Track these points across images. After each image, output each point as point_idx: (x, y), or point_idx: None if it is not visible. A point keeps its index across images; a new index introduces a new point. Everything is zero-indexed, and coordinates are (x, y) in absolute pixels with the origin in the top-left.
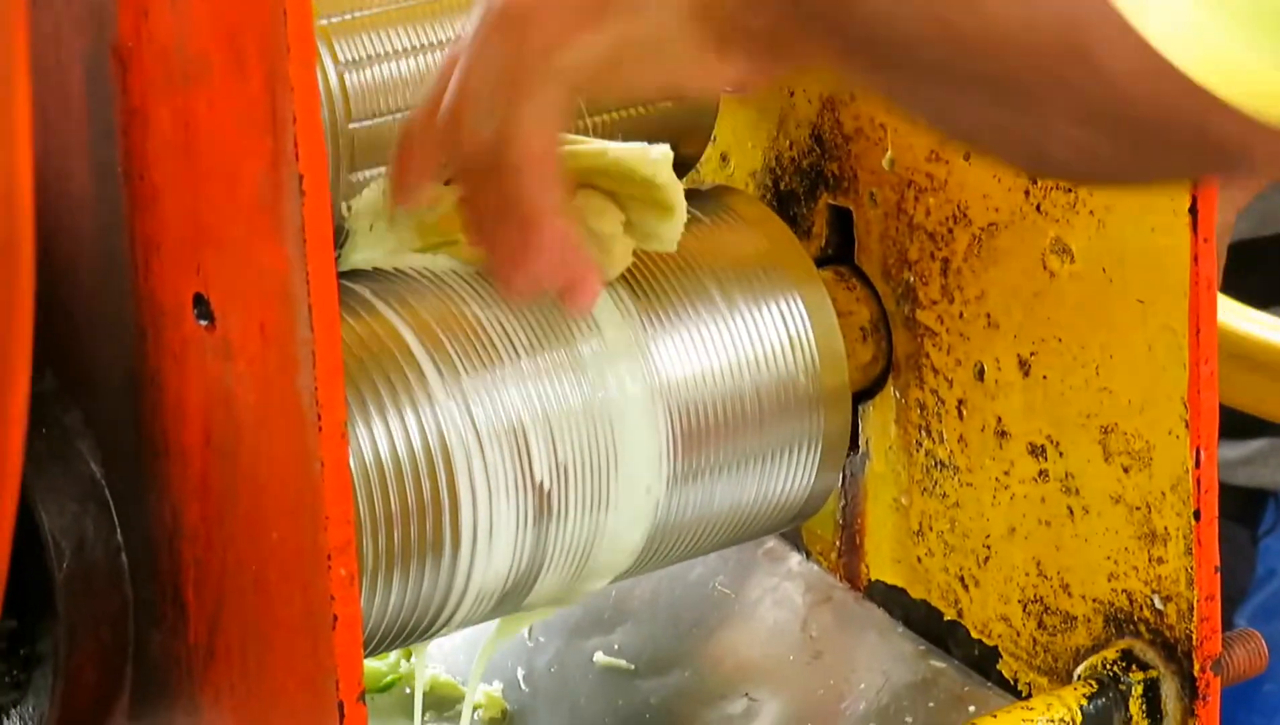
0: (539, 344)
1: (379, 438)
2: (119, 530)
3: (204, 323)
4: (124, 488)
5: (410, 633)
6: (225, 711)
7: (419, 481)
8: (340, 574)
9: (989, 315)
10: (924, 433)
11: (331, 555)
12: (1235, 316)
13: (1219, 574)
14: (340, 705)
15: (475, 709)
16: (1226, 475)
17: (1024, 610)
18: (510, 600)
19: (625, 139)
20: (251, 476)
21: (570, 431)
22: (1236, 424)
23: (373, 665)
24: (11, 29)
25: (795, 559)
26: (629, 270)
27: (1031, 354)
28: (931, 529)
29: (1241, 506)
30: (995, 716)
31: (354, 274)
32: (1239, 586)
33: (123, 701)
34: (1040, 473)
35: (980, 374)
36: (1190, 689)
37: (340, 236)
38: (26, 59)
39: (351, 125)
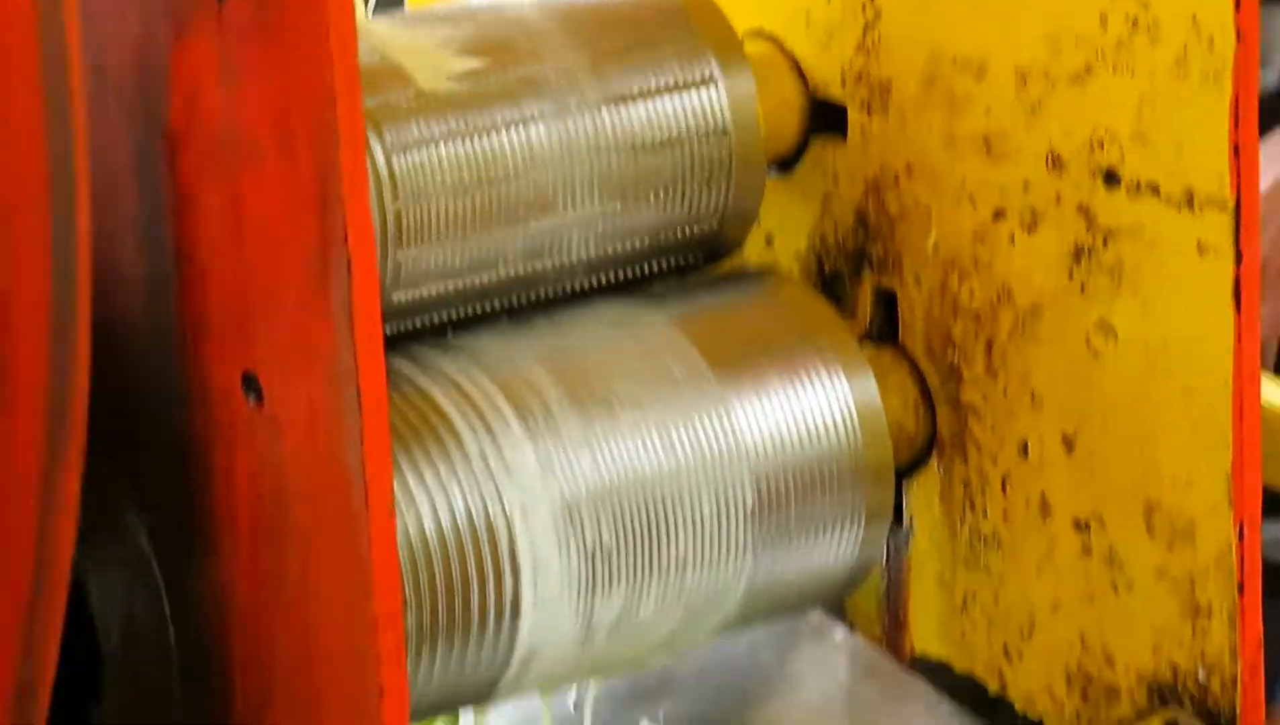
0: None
1: (426, 511)
2: (167, 603)
3: (253, 401)
4: (173, 561)
5: (459, 701)
6: None
7: (475, 553)
8: (388, 644)
9: (1033, 393)
10: (968, 508)
11: (379, 626)
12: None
13: (1263, 647)
14: None
15: None
16: (1269, 553)
17: (1068, 682)
18: (562, 670)
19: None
20: (300, 551)
21: (624, 502)
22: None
23: None
24: (73, 111)
25: (840, 632)
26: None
27: (1075, 431)
28: (975, 602)
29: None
30: None
31: (395, 346)
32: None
33: None
34: (1084, 548)
35: (1024, 450)
36: None
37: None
38: (85, 143)
39: (398, 204)
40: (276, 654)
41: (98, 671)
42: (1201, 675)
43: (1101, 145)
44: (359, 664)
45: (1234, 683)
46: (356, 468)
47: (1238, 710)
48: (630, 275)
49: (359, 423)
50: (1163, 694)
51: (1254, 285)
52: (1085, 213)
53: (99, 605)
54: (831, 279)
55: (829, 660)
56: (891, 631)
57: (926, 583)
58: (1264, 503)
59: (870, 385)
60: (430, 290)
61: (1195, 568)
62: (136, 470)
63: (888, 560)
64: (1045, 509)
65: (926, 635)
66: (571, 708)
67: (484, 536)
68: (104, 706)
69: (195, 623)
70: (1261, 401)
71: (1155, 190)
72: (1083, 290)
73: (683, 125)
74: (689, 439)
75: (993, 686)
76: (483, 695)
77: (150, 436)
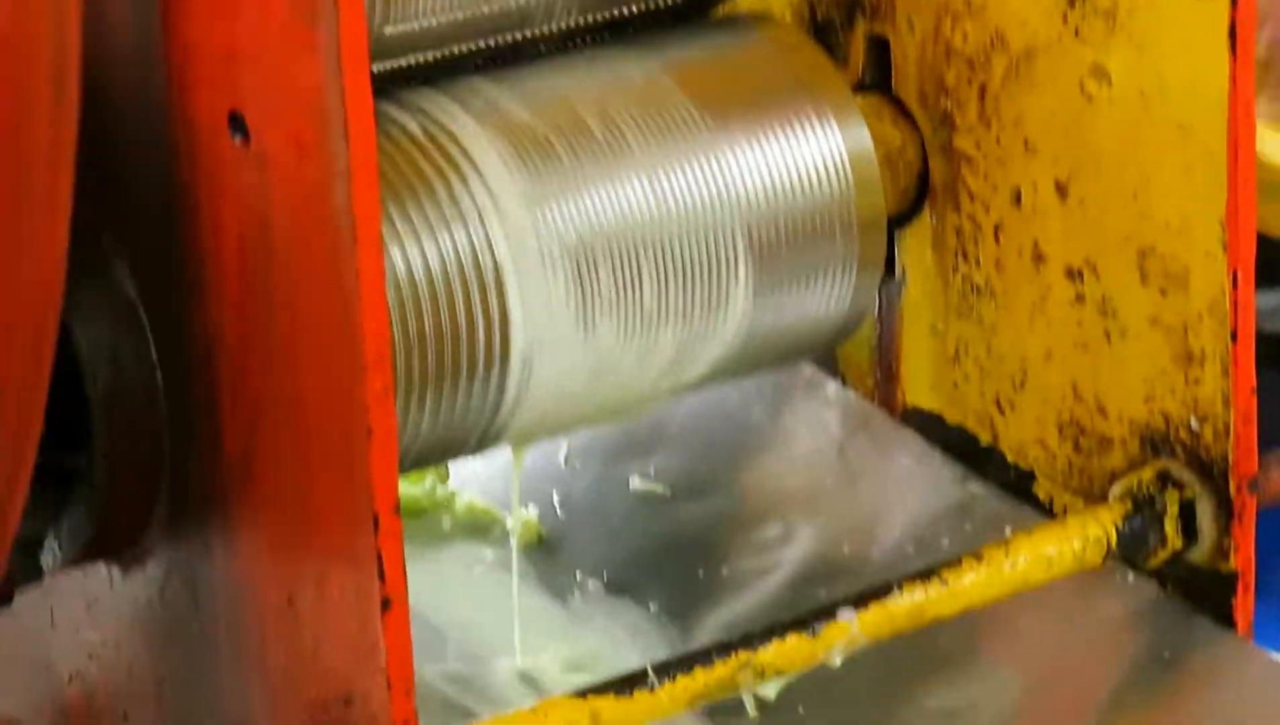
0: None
1: (414, 254)
2: (154, 347)
3: (239, 139)
4: (159, 305)
5: (451, 450)
6: (260, 527)
7: (464, 297)
8: (375, 387)
9: (1026, 140)
10: (960, 258)
11: (367, 369)
12: (1273, 146)
13: (1255, 395)
14: (375, 518)
15: (510, 533)
16: (1261, 323)
17: (1060, 433)
18: (551, 418)
19: None
20: (288, 292)
21: (615, 247)
22: (1267, 271)
23: (408, 490)
24: None
25: (832, 386)
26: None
27: (1069, 178)
28: (968, 354)
29: (1275, 354)
30: (1031, 535)
31: (398, 89)
32: (1274, 433)
33: (158, 519)
34: (1077, 296)
35: (1017, 198)
36: (1226, 509)
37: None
38: None
39: None
40: (264, 399)
41: (84, 418)
42: (1194, 424)
43: None
44: (347, 407)
45: (1226, 431)
46: (344, 204)
47: (1230, 459)
48: (622, 15)
49: (346, 158)
50: (1155, 444)
51: (1249, 28)
52: None
53: (86, 351)
54: (823, 26)
55: (820, 414)
56: (883, 385)
57: (919, 334)
58: (1258, 273)
59: (863, 133)
60: (421, 25)
61: (1188, 315)
62: (122, 217)
63: (880, 311)
64: (1038, 257)
65: (918, 388)
66: (561, 462)
67: (473, 281)
68: (91, 453)
69: (182, 369)
70: (1258, 150)
71: None
72: (1077, 34)
73: None
74: (681, 184)
75: (984, 438)
76: (473, 444)
77: (136, 182)
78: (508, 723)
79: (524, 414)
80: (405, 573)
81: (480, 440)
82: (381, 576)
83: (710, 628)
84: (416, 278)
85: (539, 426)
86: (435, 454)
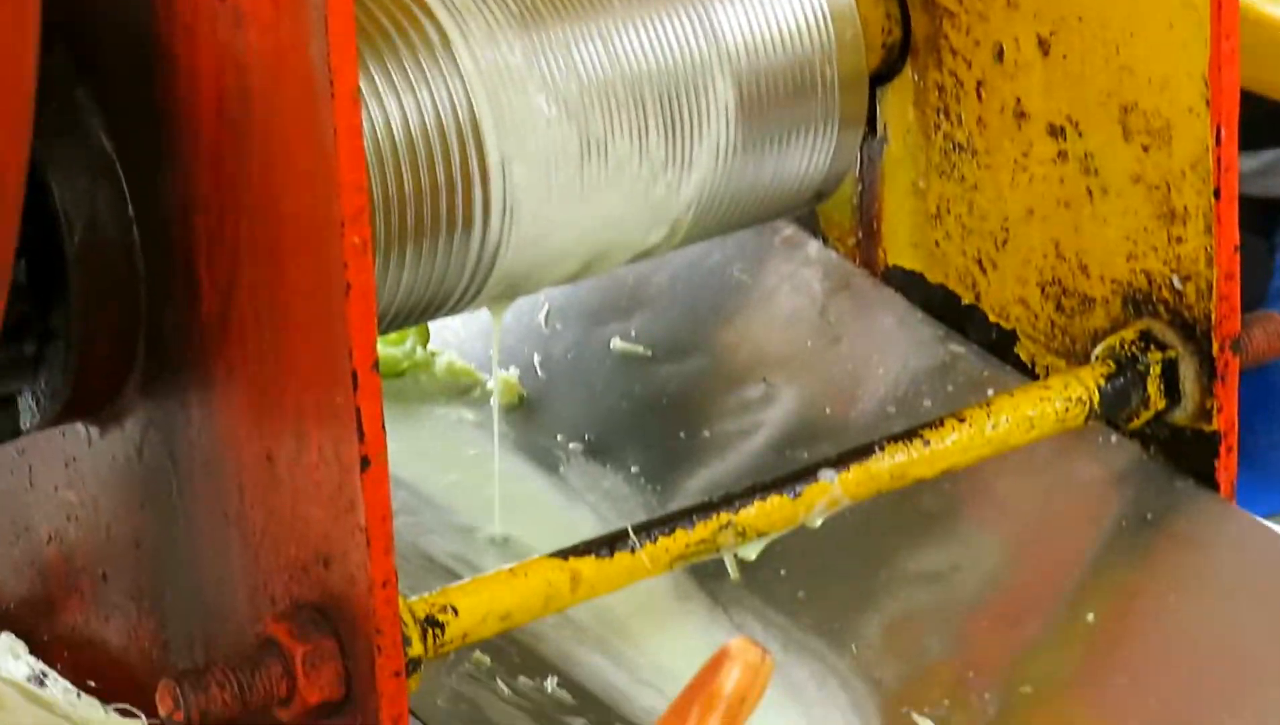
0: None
1: (394, 111)
2: (130, 204)
3: None
4: (135, 162)
5: (432, 308)
6: (238, 385)
7: (443, 152)
8: (353, 242)
9: None
10: (942, 115)
11: (345, 223)
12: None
13: (1239, 253)
14: (354, 374)
15: (491, 394)
16: (1242, 187)
17: (1042, 292)
18: (532, 277)
19: None
20: (264, 146)
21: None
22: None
23: (388, 352)
24: None
25: (813, 245)
26: None
27: (1051, 33)
28: (949, 212)
29: (1258, 218)
30: (1013, 396)
31: None
32: (1256, 297)
33: (135, 377)
34: (1059, 153)
35: (999, 54)
36: (1209, 369)
37: None
38: None
39: None
40: (242, 256)
41: (62, 272)
42: (1177, 283)
43: None
44: (325, 262)
45: (1209, 290)
46: (320, 58)
47: (1213, 319)
48: None
49: (323, 10)
50: (1137, 304)
51: None
52: None
53: (63, 207)
54: None
55: (801, 274)
56: (865, 244)
57: (900, 192)
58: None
59: None
60: None
61: (1171, 172)
62: (99, 73)
63: (861, 170)
64: (1020, 114)
65: (899, 247)
66: (541, 323)
67: (453, 136)
68: (68, 310)
69: (159, 225)
70: (1246, 4)
71: None
72: None
73: None
74: (664, 36)
75: (966, 297)
76: (455, 302)
77: (112, 37)
78: (488, 583)
79: (505, 269)
80: (384, 431)
81: (462, 297)
82: (360, 435)
83: (691, 490)
84: (395, 133)
85: (520, 283)
86: (416, 312)
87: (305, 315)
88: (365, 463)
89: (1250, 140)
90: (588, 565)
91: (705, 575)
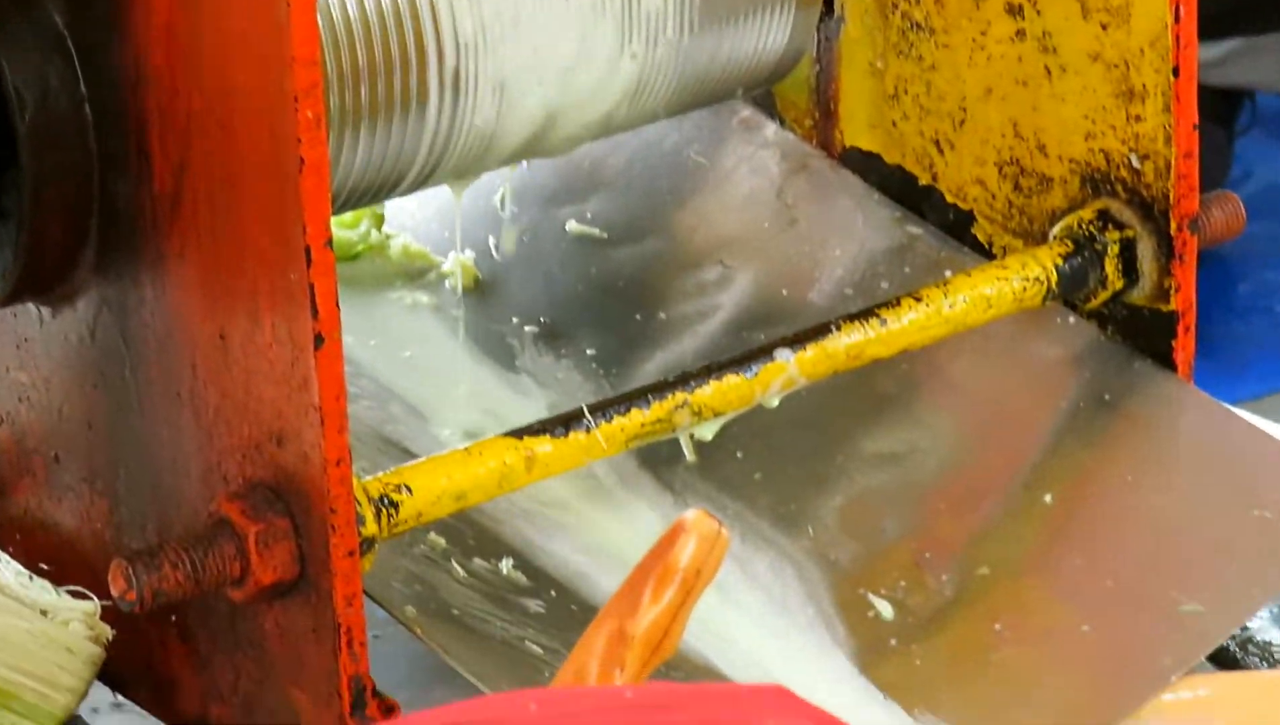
0: None
1: None
2: (82, 82)
3: None
4: (87, 37)
5: (387, 187)
6: (191, 262)
7: (397, 28)
8: (307, 116)
9: None
10: None
11: (298, 98)
12: None
13: (1197, 132)
14: (307, 251)
15: (446, 277)
16: (1202, 76)
17: (1000, 172)
18: (487, 156)
19: None
20: (216, 20)
21: None
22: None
23: (343, 235)
24: None
25: (771, 128)
26: None
27: None
28: (907, 93)
29: (1218, 107)
30: (970, 276)
31: None
32: (1215, 186)
33: (88, 256)
34: (1017, 32)
35: None
36: (1167, 248)
37: None
38: None
39: None
40: (194, 132)
41: (13, 150)
42: (1135, 162)
43: None
44: (278, 138)
45: (1168, 169)
46: None
47: (1171, 198)
48: None
49: None
50: (1095, 183)
51: None
52: None
53: (14, 84)
54: None
55: (759, 156)
56: (822, 125)
57: (857, 72)
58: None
59: None
60: None
61: (1129, 50)
62: None
63: (818, 50)
64: None
65: (857, 128)
66: (497, 206)
67: (406, 12)
68: (20, 189)
69: (112, 101)
70: None
71: None
72: None
73: None
74: None
75: (924, 178)
76: (411, 181)
77: None
78: (443, 462)
79: (462, 145)
80: (338, 308)
81: (419, 174)
82: (314, 312)
83: (648, 372)
84: (349, 7)
85: (478, 160)
86: (372, 191)
87: (258, 192)
88: (319, 340)
89: (1211, 30)
90: (543, 444)
91: (660, 462)
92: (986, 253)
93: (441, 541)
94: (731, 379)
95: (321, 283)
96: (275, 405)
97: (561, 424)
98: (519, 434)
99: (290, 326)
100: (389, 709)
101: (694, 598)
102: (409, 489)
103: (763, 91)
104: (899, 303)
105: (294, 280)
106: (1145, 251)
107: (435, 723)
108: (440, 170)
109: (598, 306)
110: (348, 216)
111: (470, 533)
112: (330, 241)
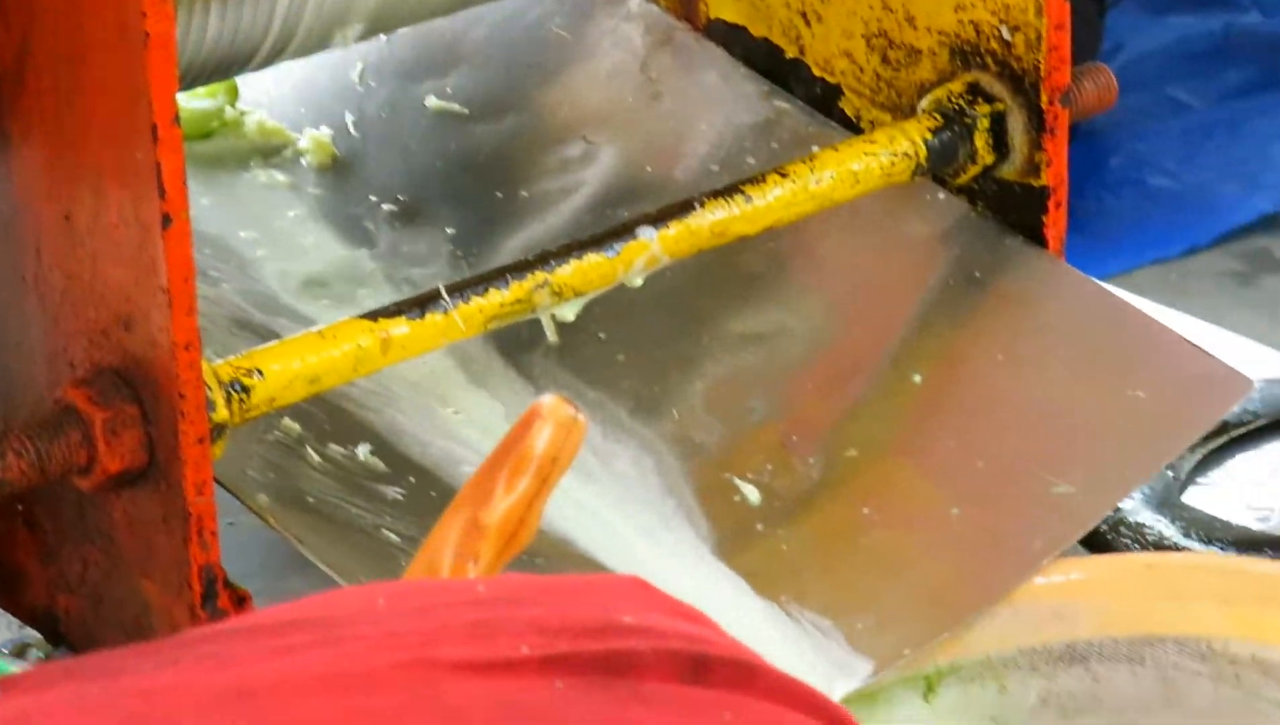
0: None
1: None
2: None
3: None
4: None
5: (237, 63)
6: (35, 143)
7: None
8: None
9: None
10: None
11: None
12: None
13: (1069, 3)
14: (154, 128)
15: (302, 155)
16: None
17: (867, 45)
18: (345, 23)
19: None
20: None
21: None
22: None
23: (195, 109)
24: None
25: (634, 0)
26: None
27: None
28: None
29: None
30: (838, 150)
31: None
32: (1087, 58)
33: None
34: None
35: None
36: (1037, 122)
37: None
38: None
39: None
40: (37, 7)
41: None
42: (1005, 34)
43: None
44: (122, 12)
45: (1039, 40)
46: None
47: (1042, 70)
48: None
49: None
50: (965, 56)
51: None
52: None
53: None
54: None
55: (623, 29)
56: None
57: None
58: None
59: None
60: None
61: None
62: None
63: None
64: None
65: (721, 0)
66: (355, 81)
67: None
68: None
69: None
70: None
71: None
72: None
73: None
74: None
75: (790, 51)
76: (261, 56)
77: None
78: (296, 345)
79: (313, 17)
80: (185, 188)
81: (272, 50)
82: (161, 192)
83: (509, 252)
84: None
85: (331, 31)
86: (222, 66)
87: (103, 68)
88: (166, 221)
89: None
90: (398, 326)
91: (521, 346)
92: (854, 127)
93: (296, 427)
94: (593, 258)
95: (168, 161)
96: (123, 288)
97: (418, 305)
98: (374, 316)
99: (137, 207)
100: (240, 600)
101: (550, 486)
102: (261, 373)
103: None
104: (764, 179)
105: (140, 159)
106: (1016, 125)
107: (277, 619)
108: (294, 43)
109: (457, 184)
110: (201, 91)
111: (326, 418)
112: (177, 118)
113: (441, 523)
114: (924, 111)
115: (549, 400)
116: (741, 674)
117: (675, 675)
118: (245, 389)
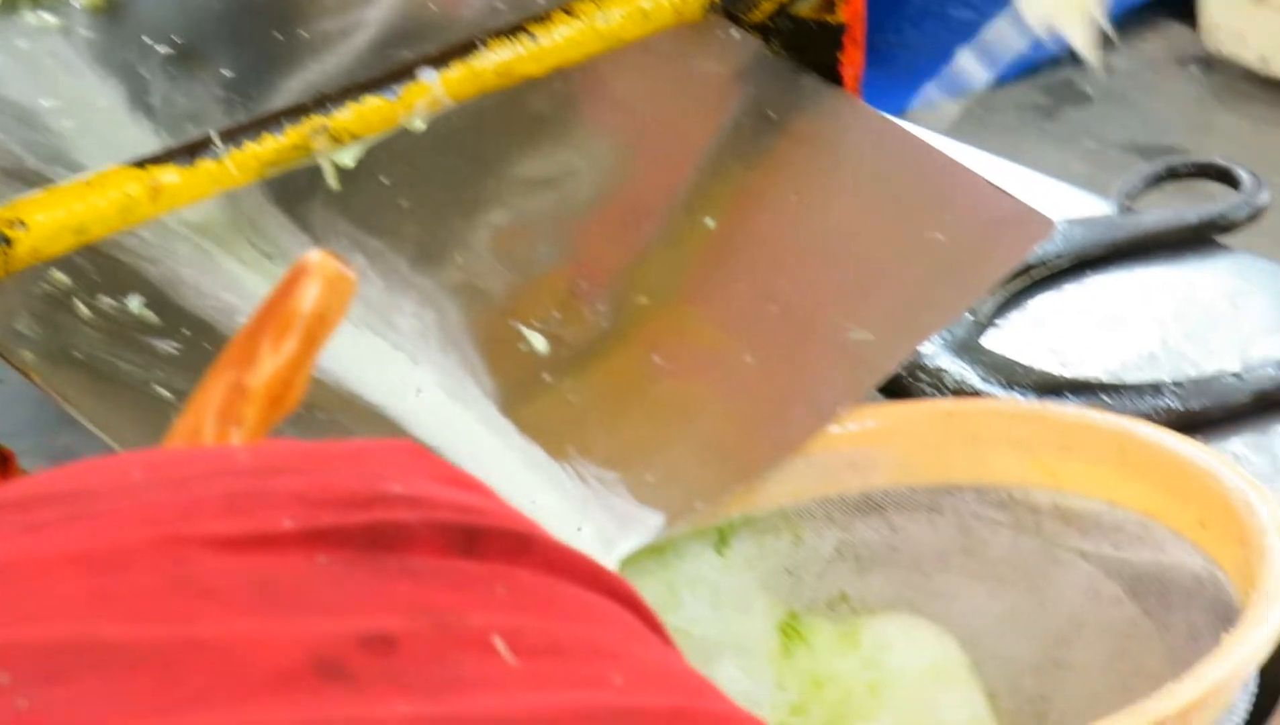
0: None
1: None
2: None
3: None
4: None
5: None
6: None
7: None
8: None
9: None
10: None
11: None
12: None
13: None
14: None
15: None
16: None
17: None
18: None
19: None
20: None
21: None
22: None
23: None
24: None
25: None
26: None
27: None
28: None
29: None
30: None
31: None
32: None
33: None
34: None
35: None
36: None
37: None
38: None
39: None
40: None
41: None
42: None
43: None
44: None
45: None
46: None
47: None
48: None
49: None
50: None
51: None
52: None
53: None
54: None
55: None
56: None
57: None
58: None
59: None
60: None
61: None
62: None
63: None
64: None
65: None
66: None
67: None
68: None
69: None
70: None
71: None
72: None
73: None
74: None
75: None
76: None
77: None
78: (60, 195)
79: None
80: None
81: None
82: None
83: (288, 94)
84: None
85: None
86: None
87: None
88: None
89: None
90: (168, 174)
91: (300, 196)
92: None
93: (65, 279)
94: (372, 101)
95: None
96: None
97: (188, 152)
98: (142, 163)
99: None
100: (3, 458)
101: (317, 346)
102: (23, 224)
103: None
104: (550, 17)
105: None
106: None
107: (23, 494)
108: None
109: (234, 24)
110: None
111: (95, 269)
112: None
113: (204, 386)
114: None
115: (315, 255)
116: (516, 545)
117: (446, 548)
118: (7, 241)
